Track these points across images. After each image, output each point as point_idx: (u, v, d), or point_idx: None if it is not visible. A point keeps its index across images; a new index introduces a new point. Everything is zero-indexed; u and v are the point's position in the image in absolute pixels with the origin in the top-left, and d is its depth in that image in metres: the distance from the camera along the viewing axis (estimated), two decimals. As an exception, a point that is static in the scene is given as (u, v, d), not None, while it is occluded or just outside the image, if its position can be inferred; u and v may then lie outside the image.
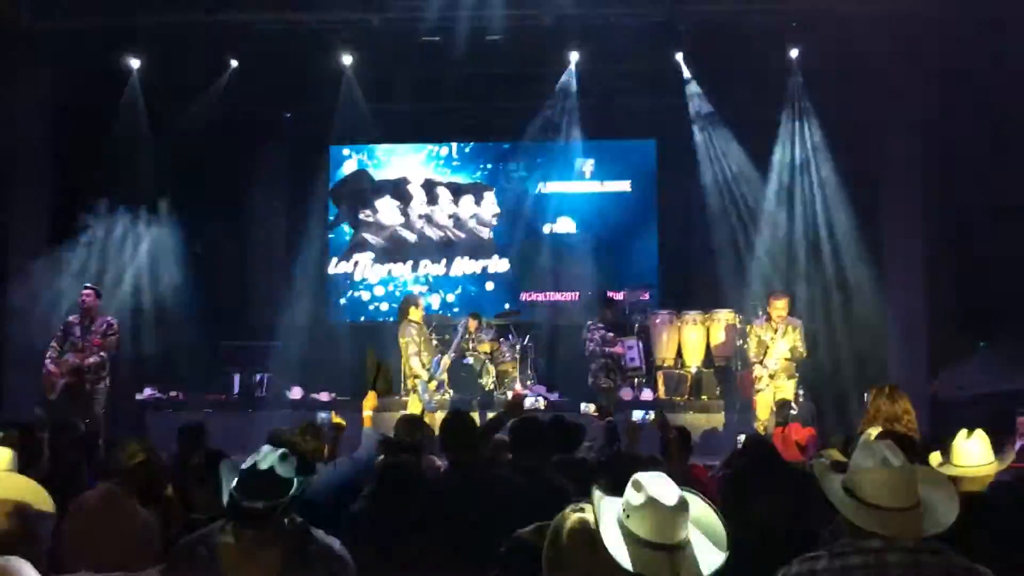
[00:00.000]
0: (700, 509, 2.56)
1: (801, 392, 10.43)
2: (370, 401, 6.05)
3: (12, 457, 2.71)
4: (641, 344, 11.23)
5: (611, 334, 10.16)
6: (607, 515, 2.48)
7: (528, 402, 5.58)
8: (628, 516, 2.44)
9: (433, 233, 14.33)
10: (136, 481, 4.31)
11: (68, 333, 9.58)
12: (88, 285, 9.90)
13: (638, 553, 2.40)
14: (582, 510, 2.59)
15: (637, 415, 6.07)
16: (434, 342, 10.78)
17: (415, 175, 14.38)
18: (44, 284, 10.90)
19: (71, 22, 11.03)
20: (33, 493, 2.70)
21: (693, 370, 11.84)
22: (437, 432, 5.13)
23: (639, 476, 2.54)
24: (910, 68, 10.82)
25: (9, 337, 10.85)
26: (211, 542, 3.00)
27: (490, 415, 5.74)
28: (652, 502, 2.43)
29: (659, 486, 2.48)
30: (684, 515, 2.45)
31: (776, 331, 9.59)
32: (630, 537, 2.41)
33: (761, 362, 9.60)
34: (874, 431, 5.97)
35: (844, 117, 11.66)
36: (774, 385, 9.54)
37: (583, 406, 6.28)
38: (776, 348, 9.54)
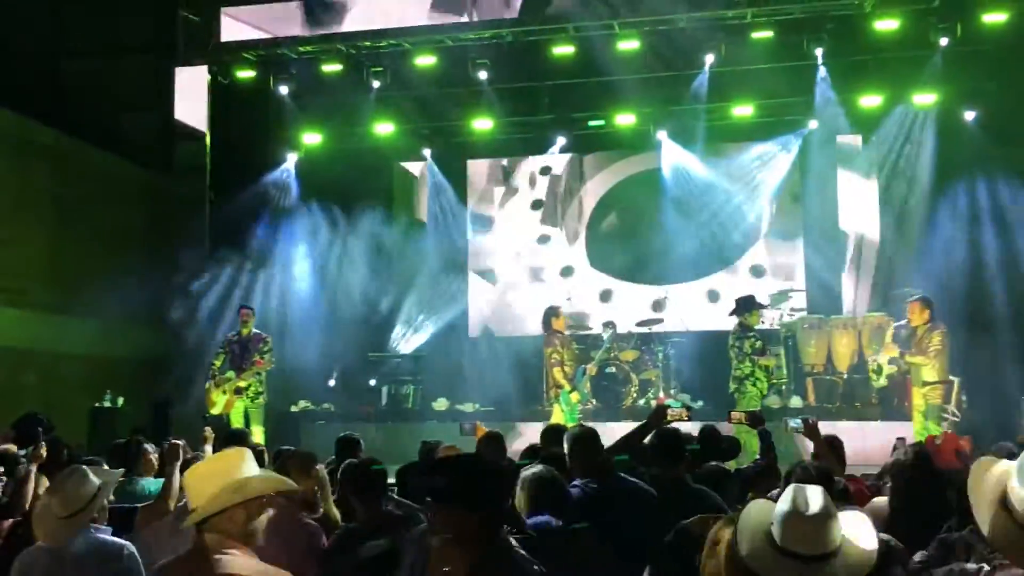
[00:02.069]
0: (854, 523, 2.48)
1: (965, 399, 9.91)
2: None
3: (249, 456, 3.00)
4: (782, 353, 10.88)
5: (760, 342, 9.80)
6: (753, 524, 2.45)
7: (672, 412, 5.44)
8: (773, 524, 2.42)
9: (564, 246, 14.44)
10: (302, 495, 4.49)
11: (228, 351, 10.07)
12: (245, 304, 10.37)
13: (780, 563, 2.36)
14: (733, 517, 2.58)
15: (793, 423, 5.86)
16: (576, 352, 10.78)
17: (546, 186, 14.50)
18: (205, 302, 11.50)
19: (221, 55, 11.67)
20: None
21: (845, 376, 11.43)
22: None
23: (792, 486, 2.51)
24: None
25: (174, 356, 11.47)
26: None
27: (635, 425, 5.69)
28: (795, 511, 2.39)
29: (806, 496, 2.44)
30: (827, 526, 2.39)
31: (913, 336, 9.27)
32: (773, 546, 2.38)
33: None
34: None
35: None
36: (919, 392, 9.15)
37: (733, 414, 6.09)
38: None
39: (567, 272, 14.24)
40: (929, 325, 9.11)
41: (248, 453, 2.99)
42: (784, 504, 2.43)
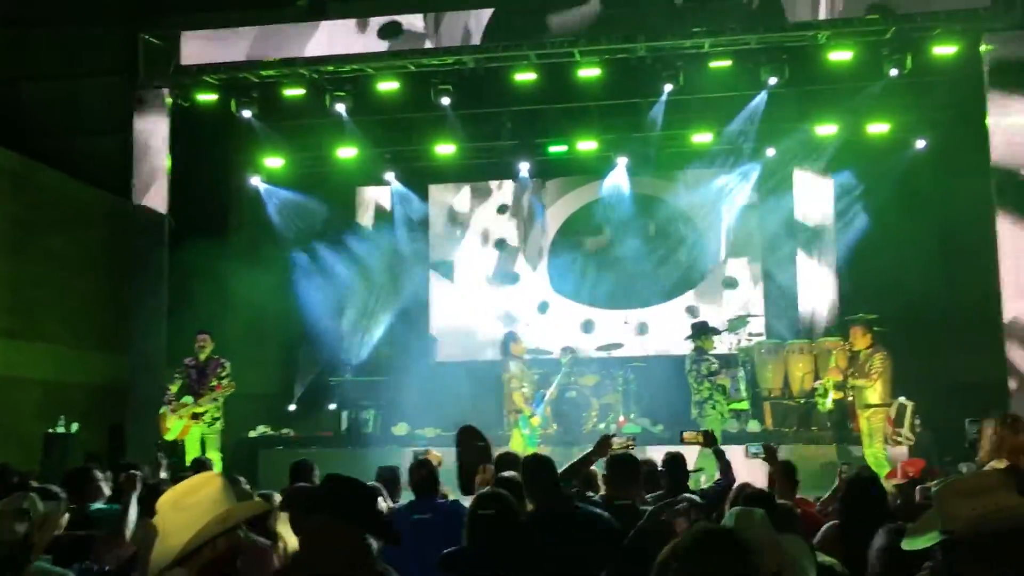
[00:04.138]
0: (796, 550, 2.55)
1: (918, 422, 10.09)
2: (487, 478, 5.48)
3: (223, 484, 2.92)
4: (742, 375, 10.99)
5: (716, 364, 9.98)
6: None
7: (616, 440, 5.52)
8: None
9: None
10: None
11: (185, 376, 9.98)
12: (202, 330, 10.27)
13: None
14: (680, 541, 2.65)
15: (753, 449, 5.94)
16: (535, 377, 10.81)
17: (508, 211, 14.61)
18: (161, 327, 11.38)
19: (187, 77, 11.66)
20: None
21: (801, 400, 11.57)
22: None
23: (733, 510, 2.59)
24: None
25: (131, 381, 11.32)
26: None
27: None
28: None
29: (747, 520, 2.51)
30: (768, 549, 2.45)
31: (847, 362, 9.48)
32: None
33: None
34: (1000, 464, 5.74)
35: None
36: (866, 415, 9.34)
37: (686, 435, 6.16)
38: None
39: (528, 297, 14.30)
40: (871, 349, 9.33)
41: (223, 479, 2.94)
42: (727, 526, 2.50)
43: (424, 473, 5.29)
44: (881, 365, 9.24)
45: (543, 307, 14.19)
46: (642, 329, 13.70)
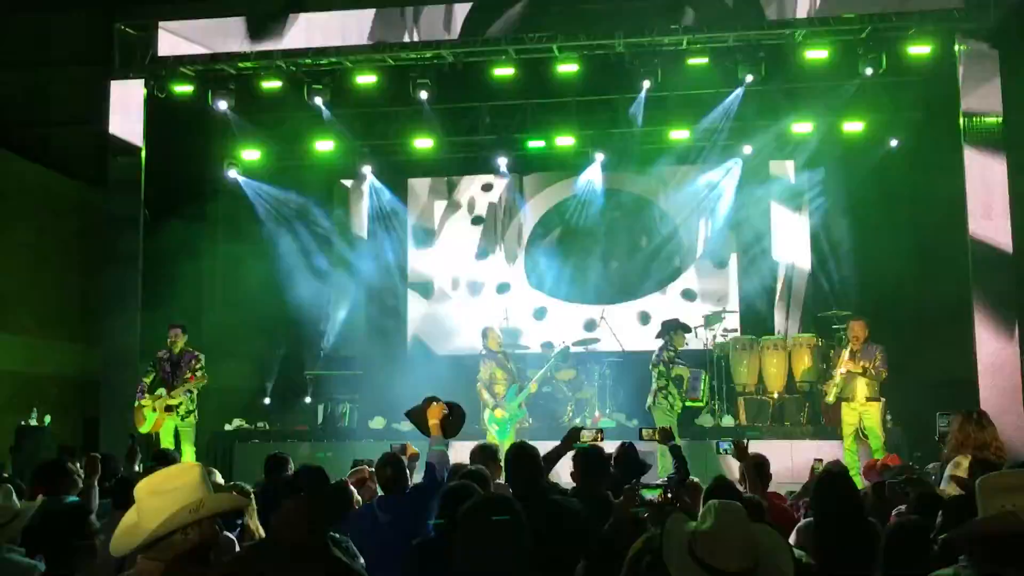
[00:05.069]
0: (771, 541, 2.58)
1: (889, 418, 10.22)
2: (436, 410, 5.64)
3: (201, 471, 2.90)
4: (706, 376, 10.98)
5: (679, 359, 10.13)
6: (675, 539, 2.54)
7: (585, 433, 5.56)
8: (695, 541, 2.51)
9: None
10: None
11: (158, 369, 9.92)
12: (174, 323, 10.21)
13: None
14: (655, 533, 2.67)
15: (724, 447, 5.95)
16: (514, 370, 10.83)
17: (486, 206, 14.62)
18: (135, 320, 11.29)
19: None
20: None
21: (775, 396, 11.66)
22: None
23: (712, 503, 2.62)
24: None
25: (105, 373, 11.24)
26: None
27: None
28: (718, 529, 2.48)
29: (728, 515, 2.53)
30: (747, 544, 2.48)
31: (851, 355, 9.53)
32: (695, 561, 2.47)
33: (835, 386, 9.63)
34: (964, 460, 5.84)
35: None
36: (855, 410, 9.45)
37: (644, 431, 6.17)
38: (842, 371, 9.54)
39: (505, 291, 14.31)
40: (869, 345, 9.46)
41: (202, 469, 2.92)
42: (707, 521, 2.53)
43: (389, 471, 5.28)
44: (884, 360, 9.41)
45: (518, 299, 14.17)
46: (644, 319, 13.69)
